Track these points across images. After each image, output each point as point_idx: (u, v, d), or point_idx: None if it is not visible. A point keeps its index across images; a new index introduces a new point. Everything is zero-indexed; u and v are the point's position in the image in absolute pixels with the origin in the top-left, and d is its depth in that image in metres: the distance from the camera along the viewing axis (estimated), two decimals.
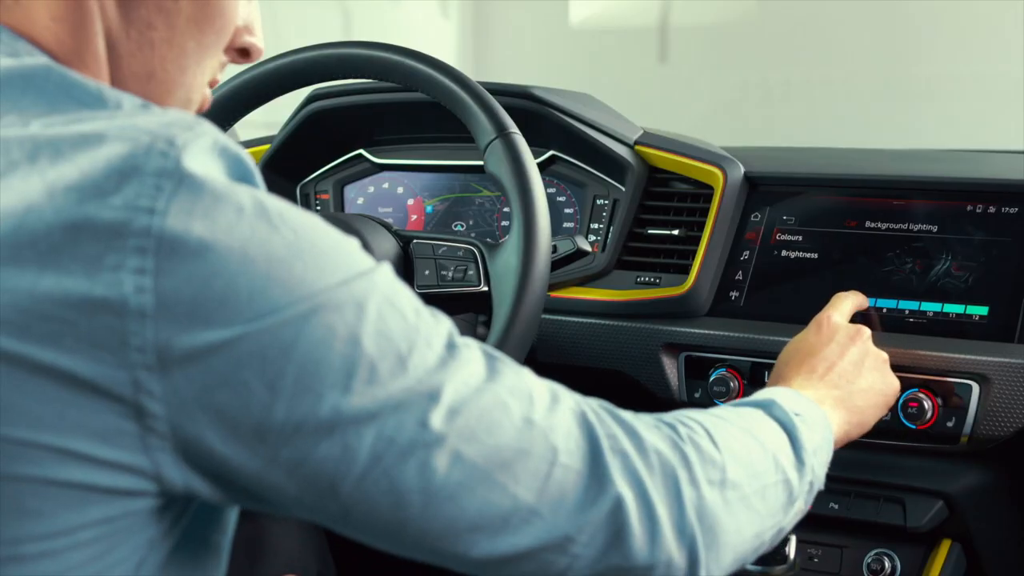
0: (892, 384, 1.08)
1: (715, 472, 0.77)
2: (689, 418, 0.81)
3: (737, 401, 0.92)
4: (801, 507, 0.87)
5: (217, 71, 0.77)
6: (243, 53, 0.79)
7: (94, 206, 0.58)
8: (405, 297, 0.67)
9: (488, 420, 0.67)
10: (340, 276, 0.63)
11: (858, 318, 1.17)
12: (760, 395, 0.93)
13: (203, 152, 0.61)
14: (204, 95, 0.77)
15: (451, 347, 0.68)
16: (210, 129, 0.63)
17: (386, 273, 0.67)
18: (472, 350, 0.70)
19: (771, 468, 0.83)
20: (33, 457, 0.58)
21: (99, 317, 0.58)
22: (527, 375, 0.72)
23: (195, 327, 0.59)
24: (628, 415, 0.76)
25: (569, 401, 0.73)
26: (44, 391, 0.58)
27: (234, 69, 1.24)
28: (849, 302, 1.15)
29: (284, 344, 0.60)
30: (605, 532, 0.70)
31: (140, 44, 0.70)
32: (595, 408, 0.74)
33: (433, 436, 0.64)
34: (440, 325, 0.69)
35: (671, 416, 0.80)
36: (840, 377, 1.02)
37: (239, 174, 0.64)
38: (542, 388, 0.72)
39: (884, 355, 1.09)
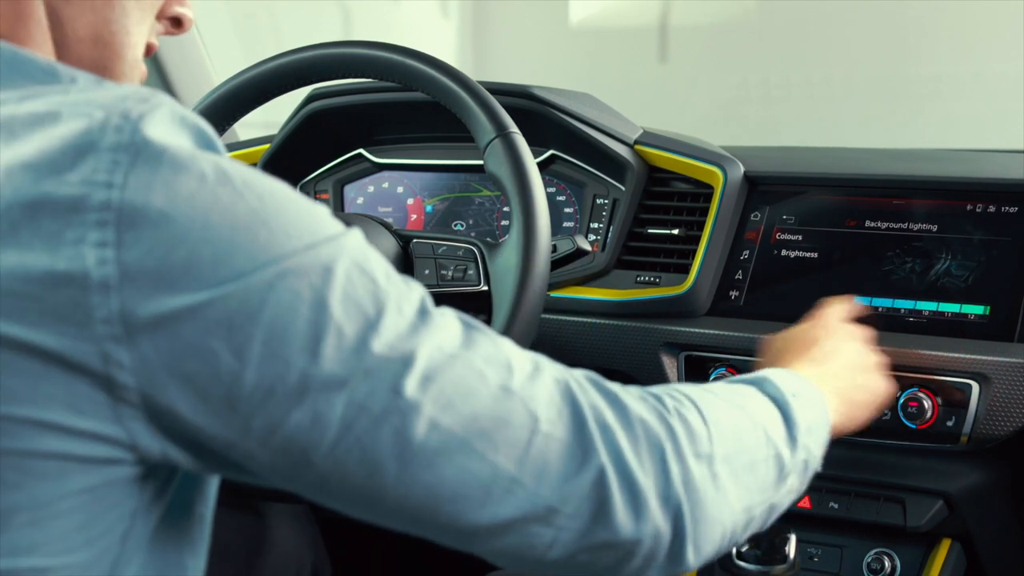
0: (885, 387, 1.07)
1: (702, 445, 0.75)
2: (677, 391, 0.80)
3: (731, 378, 0.91)
4: (795, 485, 0.85)
5: (153, 37, 0.78)
6: (176, 23, 0.80)
7: (51, 183, 0.59)
8: (376, 262, 0.66)
9: (464, 387, 0.66)
10: (306, 241, 0.63)
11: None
12: (754, 374, 0.91)
13: (162, 122, 0.61)
14: (142, 68, 0.77)
15: (423, 313, 0.67)
16: (166, 100, 0.63)
17: (356, 238, 0.66)
18: (447, 318, 0.69)
19: (761, 442, 0.81)
20: (9, 430, 0.59)
21: (63, 291, 0.58)
22: (505, 345, 0.71)
23: (159, 295, 0.59)
24: (614, 386, 0.75)
25: (552, 371, 0.72)
26: (15, 365, 0.58)
27: (234, 68, 1.24)
28: (844, 307, 1.12)
29: (250, 310, 0.60)
30: (590, 504, 0.69)
31: (81, 8, 0.71)
32: (579, 378, 0.73)
33: (407, 402, 0.64)
34: (412, 292, 0.68)
35: (659, 388, 0.79)
36: (841, 368, 1.00)
37: (202, 142, 0.64)
38: (522, 358, 0.71)
39: (878, 359, 1.08)
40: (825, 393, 0.94)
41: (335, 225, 0.66)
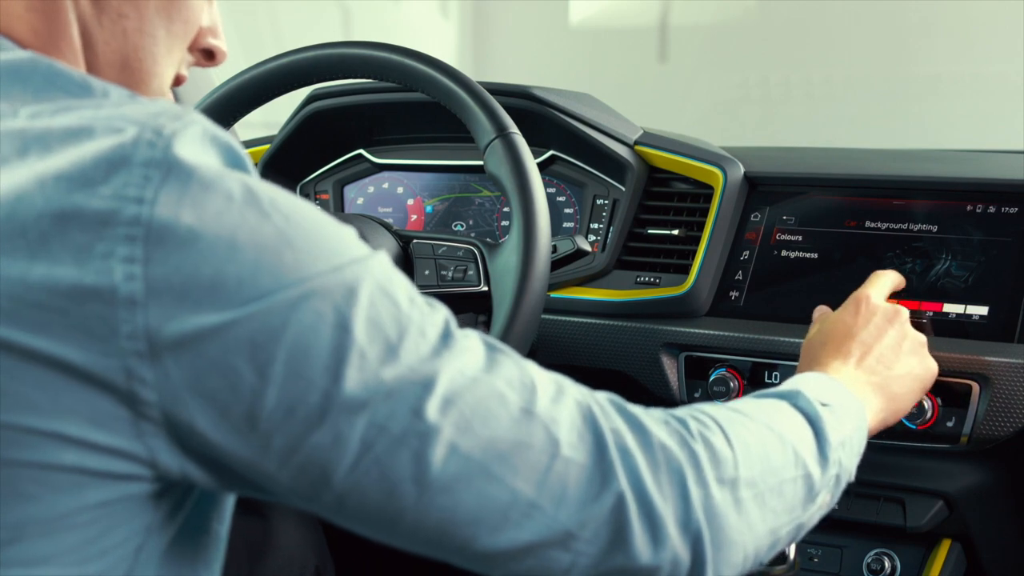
0: (930, 368, 1.05)
1: (727, 469, 0.75)
2: (703, 413, 0.79)
3: (762, 392, 0.90)
4: (826, 500, 0.85)
5: (183, 68, 0.78)
6: (208, 56, 0.80)
7: (83, 196, 0.59)
8: (400, 285, 0.67)
9: (484, 410, 0.66)
10: (332, 263, 0.63)
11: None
12: (788, 384, 0.91)
13: (193, 140, 0.62)
14: (168, 97, 0.77)
15: (447, 336, 0.67)
16: (199, 118, 0.64)
17: (381, 261, 0.67)
18: (470, 340, 0.69)
19: (790, 463, 0.81)
20: (29, 443, 0.59)
21: (89, 305, 0.59)
22: (529, 367, 0.71)
23: (184, 313, 0.59)
24: (637, 410, 0.75)
25: (574, 394, 0.72)
26: (37, 378, 0.59)
27: (234, 68, 1.24)
28: (887, 280, 1.11)
29: (273, 330, 0.60)
30: (608, 530, 0.69)
31: (113, 33, 0.71)
32: (601, 402, 0.73)
33: (427, 426, 0.64)
34: (436, 314, 0.68)
35: (684, 411, 0.79)
36: (878, 362, 0.99)
37: (231, 161, 0.64)
38: (545, 380, 0.71)
39: (922, 337, 1.06)
40: (863, 395, 0.93)
41: (360, 248, 0.66)
